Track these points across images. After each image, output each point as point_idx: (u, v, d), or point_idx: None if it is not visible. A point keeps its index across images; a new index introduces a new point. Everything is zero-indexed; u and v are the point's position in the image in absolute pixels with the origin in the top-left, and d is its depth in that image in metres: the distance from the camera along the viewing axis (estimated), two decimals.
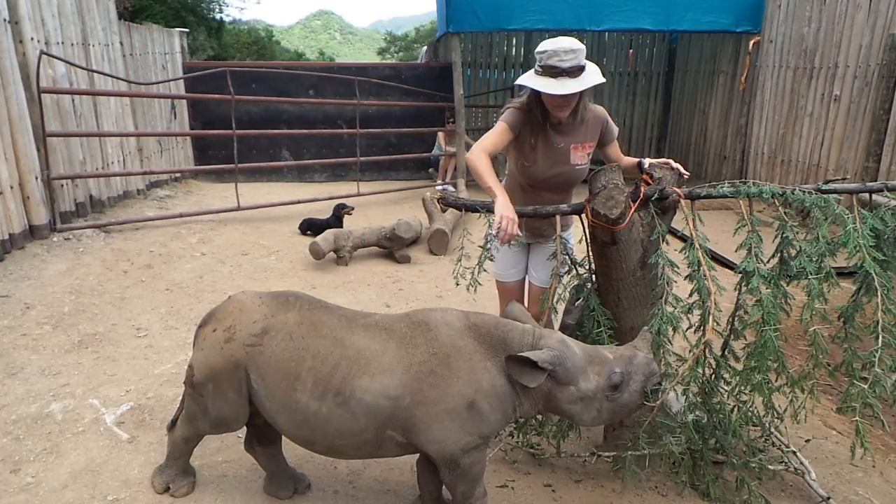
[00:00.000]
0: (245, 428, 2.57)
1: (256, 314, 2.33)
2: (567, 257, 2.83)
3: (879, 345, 2.36)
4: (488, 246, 2.83)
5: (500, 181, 2.83)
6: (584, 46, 2.66)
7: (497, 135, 2.84)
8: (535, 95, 2.78)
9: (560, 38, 2.68)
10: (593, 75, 2.68)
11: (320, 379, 2.19)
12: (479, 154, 2.73)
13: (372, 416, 2.18)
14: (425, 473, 2.52)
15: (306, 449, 2.40)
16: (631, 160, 2.94)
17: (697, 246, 2.50)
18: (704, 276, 2.48)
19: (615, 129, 2.99)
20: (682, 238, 3.75)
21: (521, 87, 2.81)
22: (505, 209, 2.54)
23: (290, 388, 2.21)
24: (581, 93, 2.72)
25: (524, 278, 3.33)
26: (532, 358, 2.13)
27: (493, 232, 2.55)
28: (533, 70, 2.74)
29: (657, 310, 2.52)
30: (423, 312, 2.37)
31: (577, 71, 2.62)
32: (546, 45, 2.67)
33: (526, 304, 3.43)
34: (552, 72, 2.63)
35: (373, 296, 5.28)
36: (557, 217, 2.84)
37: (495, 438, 3.08)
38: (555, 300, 2.77)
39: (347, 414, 2.18)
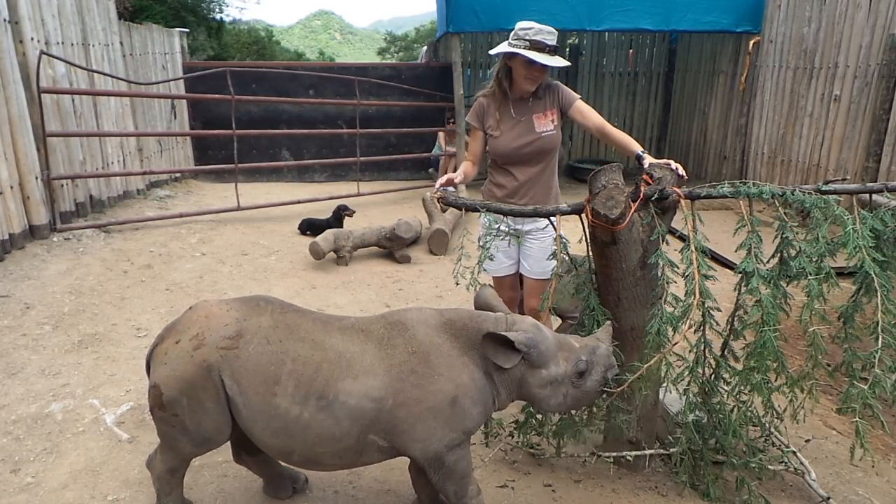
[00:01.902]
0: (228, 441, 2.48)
1: (227, 318, 2.22)
2: (566, 255, 2.83)
3: (879, 345, 2.36)
4: (487, 245, 2.84)
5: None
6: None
7: (471, 141, 3.34)
8: (506, 71, 3.10)
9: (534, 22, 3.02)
10: (562, 59, 3.08)
11: (302, 382, 2.12)
12: (462, 164, 3.26)
13: (355, 420, 2.14)
14: (420, 477, 2.52)
15: (283, 461, 2.32)
16: (628, 141, 3.02)
17: (693, 248, 2.50)
18: (694, 277, 2.48)
19: (572, 92, 3.21)
20: (682, 238, 3.75)
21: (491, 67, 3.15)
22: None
23: (269, 392, 2.12)
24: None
25: (517, 272, 3.40)
26: (509, 337, 2.16)
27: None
28: (507, 43, 3.03)
29: (657, 310, 2.53)
30: (398, 313, 2.36)
31: (555, 50, 2.99)
32: (529, 24, 2.99)
33: (524, 297, 3.47)
34: (539, 46, 2.94)
35: (373, 296, 5.28)
36: (558, 217, 2.85)
37: (495, 438, 3.08)
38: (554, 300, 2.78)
39: (330, 418, 2.12)
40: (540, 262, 3.20)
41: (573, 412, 2.78)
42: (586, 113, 3.15)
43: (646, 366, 2.47)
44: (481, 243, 2.91)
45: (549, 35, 2.96)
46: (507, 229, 3.10)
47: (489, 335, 2.19)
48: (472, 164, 3.27)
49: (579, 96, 3.22)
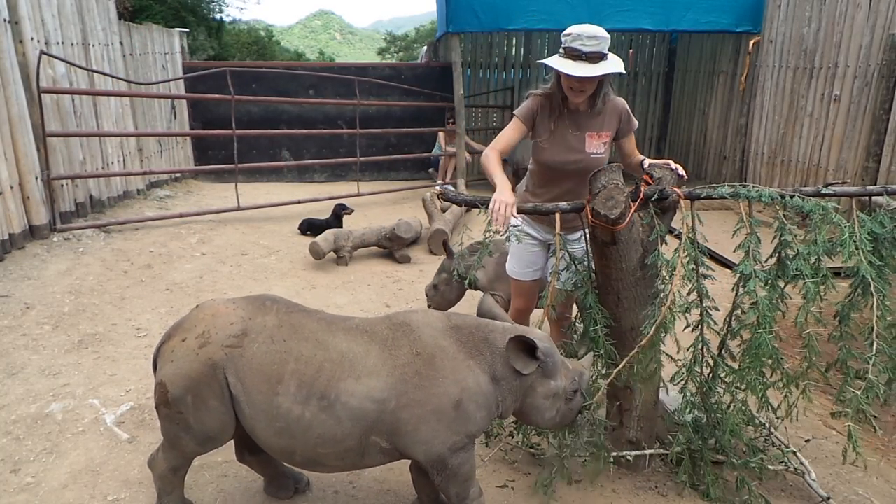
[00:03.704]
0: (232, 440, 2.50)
1: (233, 317, 2.23)
2: (566, 254, 2.83)
3: (874, 351, 2.37)
4: (487, 242, 2.83)
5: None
6: (608, 36, 2.68)
7: (510, 130, 2.94)
8: (557, 79, 2.84)
9: (588, 24, 2.73)
10: (611, 65, 2.71)
11: (304, 382, 2.12)
12: (488, 153, 2.84)
13: (357, 421, 2.13)
14: (420, 477, 2.52)
15: (286, 462, 2.32)
16: (640, 158, 2.97)
17: (683, 249, 2.51)
18: (676, 277, 2.49)
19: (635, 123, 3.02)
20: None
21: (545, 69, 2.86)
22: (500, 194, 2.56)
23: (271, 392, 2.12)
24: (601, 82, 2.78)
25: (538, 280, 3.32)
26: (535, 343, 2.20)
27: (488, 217, 2.56)
28: (558, 53, 2.81)
29: (651, 310, 2.54)
30: (403, 314, 2.36)
31: (596, 57, 2.66)
32: (573, 28, 2.72)
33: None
34: (572, 54, 2.68)
35: (373, 296, 5.27)
36: (557, 215, 2.84)
37: (495, 438, 3.08)
38: (553, 299, 2.77)
39: (332, 419, 2.12)
40: (565, 273, 3.02)
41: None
42: (628, 146, 3.02)
43: (625, 360, 2.53)
44: (484, 239, 2.87)
45: (589, 40, 2.66)
46: (539, 237, 3.12)
47: (514, 339, 2.21)
48: (502, 154, 2.87)
49: (637, 125, 3.03)
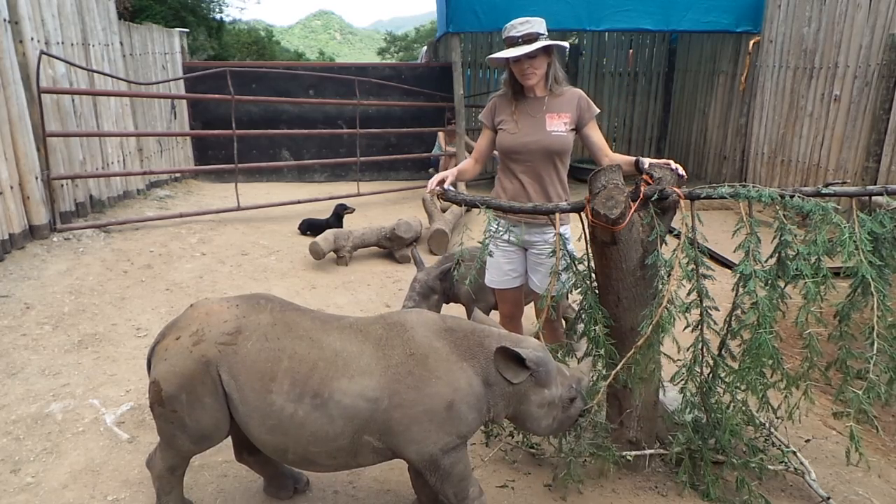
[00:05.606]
0: (231, 439, 2.51)
1: (227, 315, 2.24)
2: (565, 252, 2.83)
3: (874, 351, 2.37)
4: (487, 243, 2.84)
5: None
6: (541, 20, 2.98)
7: (480, 139, 3.29)
8: (510, 74, 3.10)
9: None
10: (545, 41, 2.96)
11: (298, 380, 2.13)
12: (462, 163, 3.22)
13: (349, 420, 2.14)
14: (419, 478, 2.51)
15: (279, 460, 2.33)
16: (625, 157, 2.96)
17: (680, 253, 2.51)
18: (694, 276, 2.49)
19: (594, 108, 3.15)
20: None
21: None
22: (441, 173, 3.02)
23: (265, 389, 2.13)
24: (549, 63, 3.04)
25: (521, 286, 3.31)
26: (522, 354, 2.20)
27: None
28: None
29: (648, 311, 2.54)
30: (398, 314, 2.36)
31: (531, 38, 2.93)
32: (508, 24, 3.01)
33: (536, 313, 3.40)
34: (510, 42, 2.98)
35: (373, 296, 5.28)
36: (557, 215, 2.84)
37: (495, 438, 3.09)
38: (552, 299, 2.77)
39: (324, 417, 2.12)
40: (545, 274, 3.06)
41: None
42: (594, 134, 3.12)
43: (623, 361, 2.53)
44: (485, 240, 2.88)
45: (521, 25, 2.95)
46: (514, 240, 3.10)
47: (501, 349, 2.21)
48: (475, 161, 3.25)
49: (598, 111, 3.16)
